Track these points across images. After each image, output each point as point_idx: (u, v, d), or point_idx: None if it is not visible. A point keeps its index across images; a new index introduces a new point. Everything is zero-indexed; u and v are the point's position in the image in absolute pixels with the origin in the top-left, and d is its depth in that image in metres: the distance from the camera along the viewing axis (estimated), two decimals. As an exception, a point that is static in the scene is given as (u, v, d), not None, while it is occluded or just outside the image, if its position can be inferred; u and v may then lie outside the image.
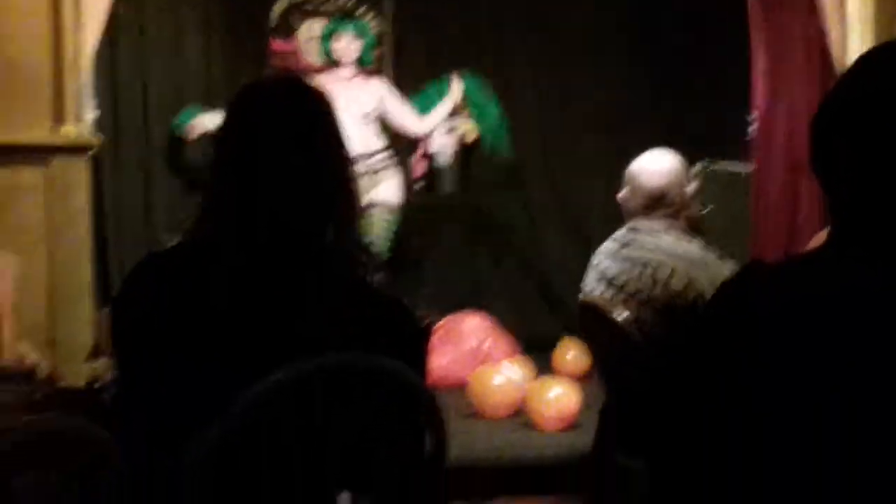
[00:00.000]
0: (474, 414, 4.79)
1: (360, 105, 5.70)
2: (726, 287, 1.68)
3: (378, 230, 5.51)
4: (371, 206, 5.42)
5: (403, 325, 2.11)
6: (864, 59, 1.57)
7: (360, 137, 5.47)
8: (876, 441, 1.38)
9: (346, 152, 2.10)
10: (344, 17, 7.03)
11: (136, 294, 2.06)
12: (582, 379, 5.03)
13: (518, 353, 5.74)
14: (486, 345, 5.69)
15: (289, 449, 1.93)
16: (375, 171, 5.65)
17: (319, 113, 2.09)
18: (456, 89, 6.00)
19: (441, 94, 6.06)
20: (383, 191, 5.64)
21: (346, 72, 5.79)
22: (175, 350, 1.97)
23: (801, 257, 1.64)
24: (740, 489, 1.47)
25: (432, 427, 2.07)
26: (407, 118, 5.95)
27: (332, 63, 5.78)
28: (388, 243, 5.62)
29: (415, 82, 6.37)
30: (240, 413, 1.88)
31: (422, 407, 2.05)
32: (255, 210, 2.00)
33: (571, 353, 5.51)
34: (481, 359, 5.55)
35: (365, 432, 2.00)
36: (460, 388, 5.03)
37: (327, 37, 5.86)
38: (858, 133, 1.49)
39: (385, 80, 6.08)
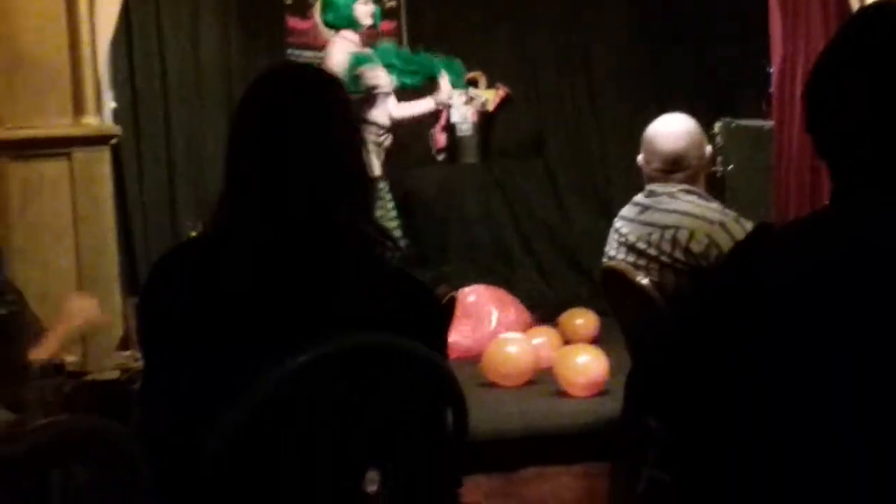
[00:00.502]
0: (494, 384, 4.80)
1: None
2: (733, 253, 1.69)
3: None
4: None
5: (423, 304, 2.14)
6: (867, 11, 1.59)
7: None
8: (883, 400, 1.39)
9: (361, 137, 2.16)
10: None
11: (161, 285, 2.10)
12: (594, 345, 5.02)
13: (529, 323, 5.73)
14: (493, 317, 5.69)
15: (313, 429, 1.95)
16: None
17: (337, 99, 2.12)
18: (444, 87, 5.66)
19: (429, 72, 5.72)
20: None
21: (353, 35, 5.54)
22: (201, 338, 1.99)
23: (807, 219, 1.63)
24: (751, 454, 1.49)
25: (453, 405, 2.09)
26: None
27: (353, 26, 5.55)
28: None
29: (426, 45, 6.31)
30: (262, 394, 1.90)
31: (442, 384, 2.07)
32: (276, 193, 2.02)
33: (580, 321, 5.55)
34: (488, 331, 5.56)
35: (387, 410, 2.02)
36: (469, 359, 5.06)
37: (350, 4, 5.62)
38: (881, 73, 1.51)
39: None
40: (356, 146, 2.11)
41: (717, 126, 6.09)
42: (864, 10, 1.63)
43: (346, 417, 1.97)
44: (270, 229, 2.01)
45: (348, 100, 2.18)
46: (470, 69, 6.55)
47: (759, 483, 1.49)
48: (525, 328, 5.59)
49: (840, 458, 1.41)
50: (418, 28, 7.05)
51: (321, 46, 7.02)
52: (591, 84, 7.27)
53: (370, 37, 5.76)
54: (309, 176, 2.02)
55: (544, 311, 6.75)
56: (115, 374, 2.84)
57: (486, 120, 7.00)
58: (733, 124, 6.05)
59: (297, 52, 7.04)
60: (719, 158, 6.00)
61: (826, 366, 1.42)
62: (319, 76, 2.22)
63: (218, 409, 1.88)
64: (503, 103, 6.81)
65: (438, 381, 2.07)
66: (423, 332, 2.06)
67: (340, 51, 5.38)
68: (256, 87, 2.12)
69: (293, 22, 7.07)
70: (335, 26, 5.52)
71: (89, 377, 2.95)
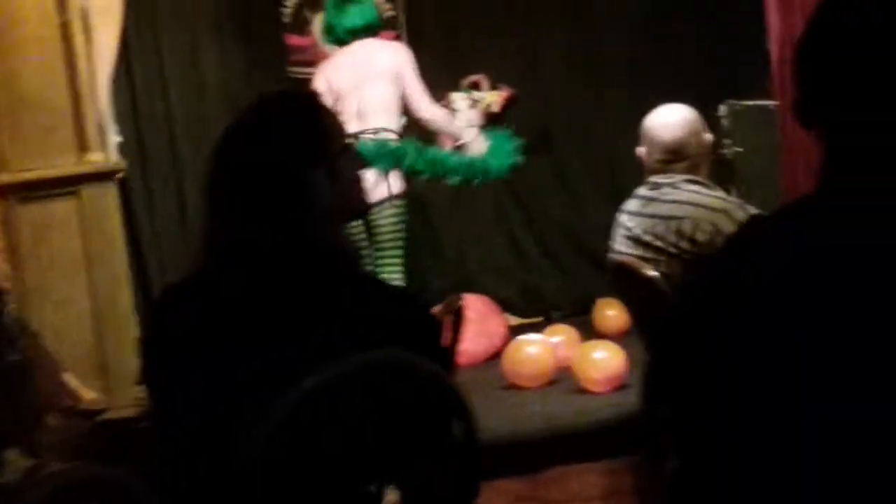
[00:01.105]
0: (515, 386, 4.81)
1: (378, 64, 5.34)
2: (722, 246, 1.71)
3: (391, 220, 5.21)
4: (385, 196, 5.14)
5: (413, 316, 2.15)
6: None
7: (378, 98, 5.25)
8: (849, 387, 1.40)
9: (352, 153, 2.19)
10: None
11: (163, 322, 2.13)
12: (626, 337, 5.01)
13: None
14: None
15: (322, 452, 1.97)
16: None
17: (324, 128, 2.14)
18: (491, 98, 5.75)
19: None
20: (392, 180, 5.20)
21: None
22: (207, 364, 2.03)
23: (789, 208, 1.62)
24: (723, 439, 1.51)
25: (459, 414, 2.11)
26: (420, 95, 5.41)
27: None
28: (401, 233, 5.30)
29: (429, 49, 6.29)
30: (272, 424, 1.93)
31: (443, 395, 2.09)
32: (260, 222, 2.04)
33: (612, 312, 5.51)
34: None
35: (393, 427, 2.03)
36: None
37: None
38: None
39: (407, 49, 5.68)
40: (338, 174, 2.11)
41: (723, 108, 6.06)
42: None
43: (358, 435, 1.99)
44: (257, 256, 2.04)
45: (335, 127, 2.19)
46: (472, 72, 6.55)
47: (726, 469, 1.51)
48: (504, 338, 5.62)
49: (797, 445, 1.43)
50: (419, 35, 7.04)
51: (322, 61, 7.07)
52: (595, 76, 7.25)
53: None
54: (289, 204, 2.05)
55: (567, 308, 6.76)
56: (131, 412, 2.85)
57: (492, 122, 6.98)
58: (738, 106, 6.00)
59: (298, 69, 7.05)
60: (727, 141, 5.97)
61: (790, 354, 1.44)
62: (309, 104, 2.22)
63: (233, 429, 1.92)
64: (508, 104, 6.78)
65: (441, 392, 2.08)
66: (415, 343, 2.08)
67: None
68: (239, 119, 2.15)
69: (293, 39, 7.08)
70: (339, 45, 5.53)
71: (106, 415, 2.96)
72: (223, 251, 2.07)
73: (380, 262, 5.21)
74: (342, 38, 5.44)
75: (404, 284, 5.16)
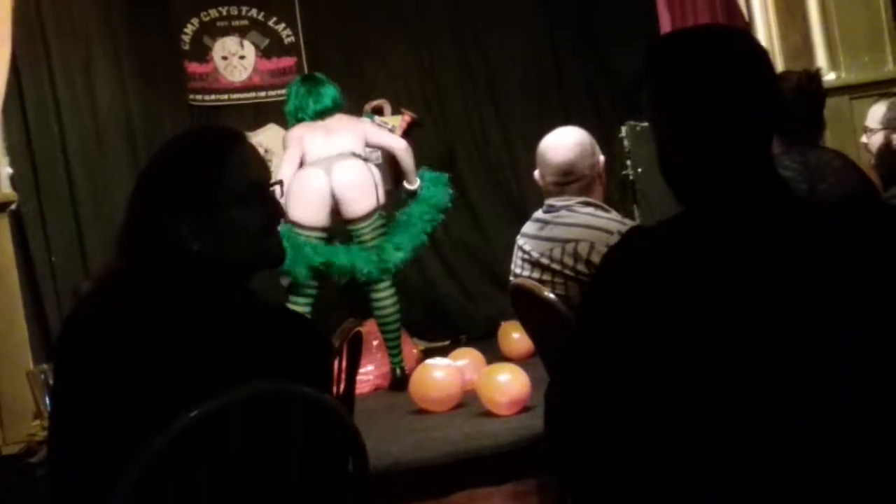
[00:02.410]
0: (424, 410, 4.81)
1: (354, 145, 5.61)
2: (609, 256, 1.78)
3: (378, 231, 5.57)
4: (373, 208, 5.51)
5: (306, 344, 2.15)
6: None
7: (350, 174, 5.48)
8: (734, 381, 1.56)
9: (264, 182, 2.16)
10: (255, 29, 7.03)
11: (73, 351, 2.09)
12: (532, 359, 5.03)
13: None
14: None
15: (211, 481, 1.94)
16: (366, 159, 5.64)
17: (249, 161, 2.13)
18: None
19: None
20: (380, 191, 5.57)
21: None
22: (118, 393, 1.99)
23: (671, 221, 1.74)
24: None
25: (348, 442, 2.09)
26: (389, 138, 5.86)
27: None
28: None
29: (328, 74, 6.28)
30: (155, 451, 1.91)
31: (334, 423, 2.07)
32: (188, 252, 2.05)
33: (517, 335, 5.53)
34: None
35: (283, 459, 2.01)
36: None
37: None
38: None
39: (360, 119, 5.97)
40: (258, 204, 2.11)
41: (623, 129, 6.13)
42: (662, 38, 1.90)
43: (242, 470, 1.96)
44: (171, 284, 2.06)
45: (260, 160, 2.19)
46: (374, 96, 6.55)
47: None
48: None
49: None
50: (317, 60, 7.03)
51: (222, 89, 7.02)
52: (496, 96, 7.30)
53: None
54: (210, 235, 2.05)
55: (474, 331, 6.77)
56: (15, 449, 2.78)
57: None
58: (638, 126, 6.08)
59: (199, 96, 7.00)
60: (628, 162, 6.04)
61: (681, 352, 1.59)
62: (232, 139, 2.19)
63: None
64: (410, 128, 6.80)
65: (331, 420, 2.06)
66: (308, 370, 2.09)
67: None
68: (172, 155, 2.15)
69: (192, 67, 7.02)
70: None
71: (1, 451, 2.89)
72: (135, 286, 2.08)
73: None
74: (311, 118, 5.60)
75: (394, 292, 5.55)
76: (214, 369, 2.03)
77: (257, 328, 2.12)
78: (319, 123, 5.56)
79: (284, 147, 5.57)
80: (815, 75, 3.70)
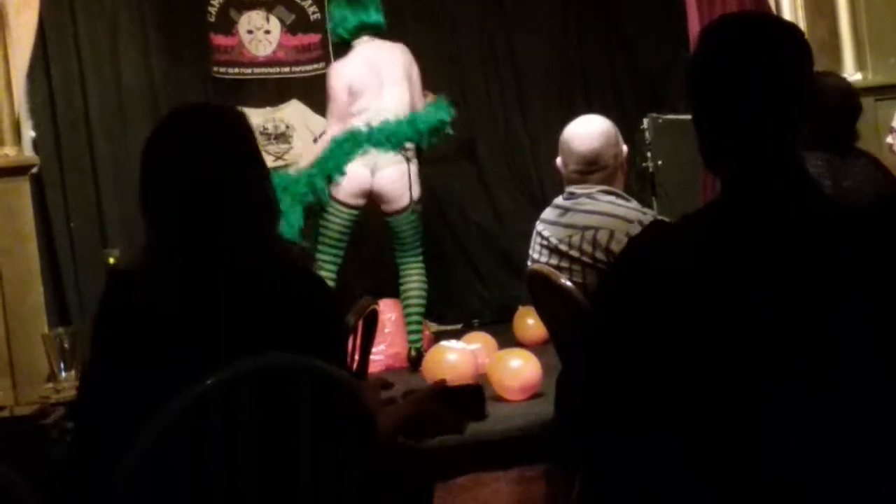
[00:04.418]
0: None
1: (394, 64, 5.58)
2: (631, 243, 1.80)
3: (414, 224, 5.56)
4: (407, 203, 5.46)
5: (318, 311, 2.18)
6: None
7: (397, 98, 5.48)
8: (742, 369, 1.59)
9: (262, 163, 2.24)
10: (281, 4, 7.01)
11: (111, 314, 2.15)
12: (545, 345, 5.03)
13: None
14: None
15: (222, 454, 1.96)
16: (408, 160, 5.50)
17: (243, 137, 2.22)
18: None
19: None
20: (415, 185, 5.50)
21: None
22: (140, 362, 2.06)
23: (693, 215, 1.78)
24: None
25: (358, 418, 2.11)
26: (420, 93, 5.73)
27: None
28: (421, 234, 5.66)
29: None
30: (165, 425, 1.94)
31: (344, 398, 2.09)
32: (192, 227, 2.12)
33: (531, 321, 5.52)
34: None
35: (292, 431, 2.02)
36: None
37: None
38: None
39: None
40: (259, 176, 2.20)
41: (645, 121, 6.12)
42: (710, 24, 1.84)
43: (255, 440, 1.98)
44: (189, 259, 2.11)
45: (251, 134, 2.26)
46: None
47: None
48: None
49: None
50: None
51: (247, 62, 7.01)
52: (519, 84, 7.28)
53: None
54: (219, 208, 2.11)
55: (486, 315, 6.77)
56: (29, 409, 2.79)
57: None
58: (660, 119, 6.06)
59: (222, 69, 6.99)
60: (648, 154, 6.03)
61: (698, 341, 1.62)
62: (223, 116, 2.28)
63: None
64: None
65: (342, 394, 2.08)
66: (327, 347, 2.13)
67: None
68: (164, 129, 2.22)
69: (217, 39, 7.01)
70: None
71: (4, 413, 2.90)
72: (160, 254, 2.13)
73: (403, 261, 5.61)
74: (352, 31, 5.57)
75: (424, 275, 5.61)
76: (237, 338, 2.07)
77: (284, 295, 2.14)
78: (358, 55, 5.51)
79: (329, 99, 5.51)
80: (855, 92, 3.73)
